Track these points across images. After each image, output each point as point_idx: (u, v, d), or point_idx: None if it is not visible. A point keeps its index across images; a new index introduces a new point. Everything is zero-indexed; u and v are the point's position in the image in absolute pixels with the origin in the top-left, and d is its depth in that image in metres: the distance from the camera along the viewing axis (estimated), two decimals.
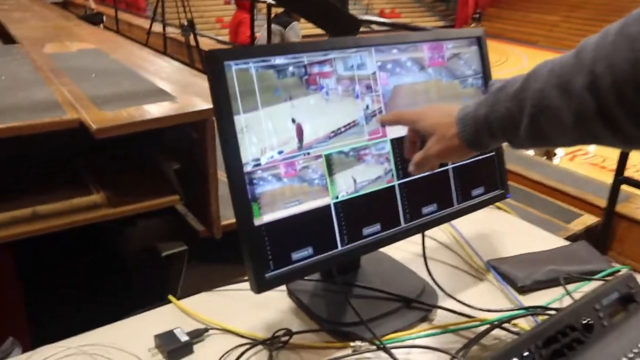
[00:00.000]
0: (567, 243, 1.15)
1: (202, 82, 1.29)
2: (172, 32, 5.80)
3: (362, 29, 1.34)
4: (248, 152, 0.69)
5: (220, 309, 0.90)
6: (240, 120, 0.68)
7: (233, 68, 0.67)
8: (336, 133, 0.76)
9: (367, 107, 0.80)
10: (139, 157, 1.19)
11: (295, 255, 0.73)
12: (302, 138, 0.72)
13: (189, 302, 0.93)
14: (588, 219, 2.59)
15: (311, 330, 0.82)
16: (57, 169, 1.16)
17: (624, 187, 2.40)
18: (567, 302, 0.93)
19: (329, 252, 0.76)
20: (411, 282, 0.96)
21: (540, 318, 0.88)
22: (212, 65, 0.66)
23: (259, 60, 0.70)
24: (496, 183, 0.98)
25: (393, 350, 0.77)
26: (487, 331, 0.82)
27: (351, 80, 0.78)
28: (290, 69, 0.72)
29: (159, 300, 0.94)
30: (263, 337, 0.80)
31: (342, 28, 1.20)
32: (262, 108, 0.70)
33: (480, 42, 0.95)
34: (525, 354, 0.66)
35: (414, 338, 0.82)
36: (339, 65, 0.77)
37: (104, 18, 5.69)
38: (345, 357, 0.77)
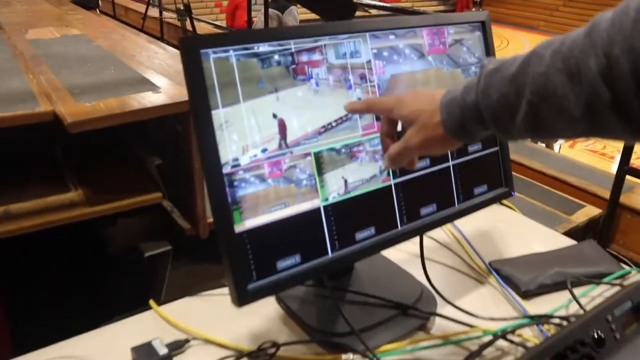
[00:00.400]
0: (573, 242, 1.09)
1: None
2: (170, 16, 5.68)
3: (358, 14, 1.27)
4: (228, 150, 0.62)
5: (203, 317, 0.84)
6: (219, 115, 0.61)
7: (211, 57, 0.60)
8: (326, 128, 0.69)
9: (361, 98, 0.73)
10: (121, 150, 1.13)
11: (281, 264, 0.67)
12: (286, 135, 0.65)
13: (170, 309, 0.87)
14: (591, 211, 2.54)
15: (299, 342, 0.76)
16: (32, 163, 1.09)
17: (628, 178, 2.34)
18: (573, 308, 0.87)
19: (319, 260, 0.70)
20: (408, 286, 0.90)
21: (546, 327, 0.82)
22: (186, 54, 0.59)
23: (240, 48, 0.62)
24: (500, 180, 0.91)
25: None
26: (489, 343, 0.76)
27: (343, 69, 0.71)
28: (276, 57, 0.65)
29: (144, 303, 0.89)
30: (248, 349, 0.74)
31: (336, 11, 1.12)
32: (243, 101, 0.63)
33: (484, 27, 0.87)
34: None
35: (411, 351, 0.76)
36: (330, 52, 0.70)
37: (100, 2, 5.56)
38: None
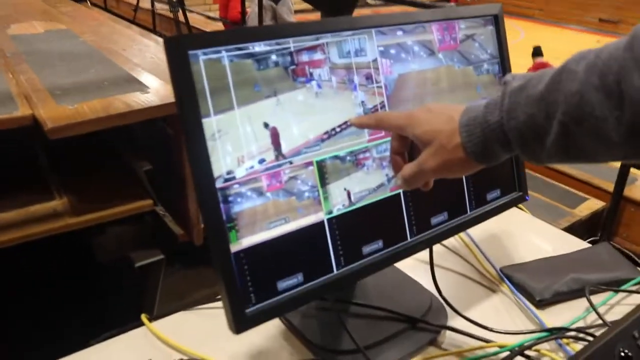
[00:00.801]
0: (587, 245, 1.04)
1: None
2: (162, 8, 5.57)
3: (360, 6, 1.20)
4: (221, 163, 0.56)
5: (198, 333, 0.78)
6: (211, 123, 0.55)
7: (201, 59, 0.54)
8: (330, 134, 0.63)
9: (365, 101, 0.66)
10: (109, 153, 1.06)
11: (282, 285, 0.61)
12: (280, 145, 0.59)
13: (163, 325, 0.82)
14: (594, 204, 2.49)
15: None
16: (14, 168, 1.03)
17: (632, 170, 2.30)
18: (592, 317, 0.82)
19: (323, 278, 0.64)
20: (416, 296, 0.84)
21: (565, 341, 0.77)
22: (173, 56, 0.52)
23: (234, 48, 0.56)
24: (514, 184, 0.85)
25: None
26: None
27: (348, 69, 0.65)
28: (273, 57, 0.59)
29: (135, 316, 0.83)
30: None
31: (336, 4, 1.06)
32: (238, 107, 0.56)
33: (497, 21, 0.81)
34: None
35: None
36: (332, 51, 0.63)
37: None
38: None
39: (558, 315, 0.82)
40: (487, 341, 0.75)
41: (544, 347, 0.75)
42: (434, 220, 0.74)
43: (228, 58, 0.55)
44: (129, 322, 0.82)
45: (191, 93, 0.53)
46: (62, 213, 0.88)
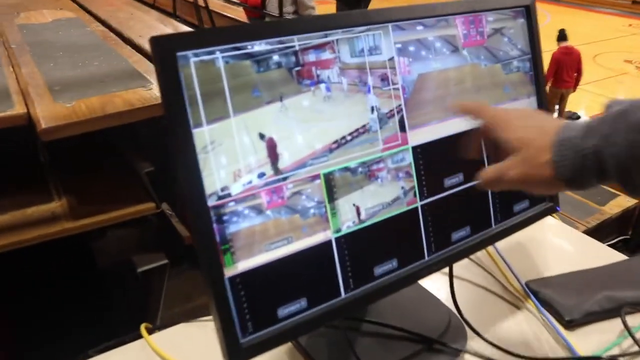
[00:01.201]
0: (623, 257, 0.95)
1: None
2: None
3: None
4: (215, 178, 0.49)
5: (199, 348, 0.74)
6: (203, 134, 0.48)
7: (191, 61, 0.47)
8: (339, 144, 0.57)
9: (378, 106, 0.59)
10: (113, 152, 1.01)
11: (282, 311, 0.55)
12: (277, 159, 0.52)
13: (164, 338, 0.77)
14: (625, 201, 2.38)
15: None
16: (15, 166, 0.98)
17: None
18: (627, 343, 0.74)
19: (329, 303, 0.57)
20: (434, 313, 0.78)
21: None
22: (159, 59, 0.46)
23: (230, 48, 0.49)
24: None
25: None
26: None
27: (360, 69, 0.58)
28: (275, 58, 0.52)
29: (137, 324, 0.79)
30: None
31: None
32: (234, 115, 0.50)
33: (529, 13, 0.73)
34: None
35: None
36: (343, 50, 0.56)
37: None
38: None
39: (589, 339, 0.75)
40: None
41: None
42: (455, 236, 0.67)
43: (223, 59, 0.49)
44: (131, 330, 0.78)
45: (179, 100, 0.47)
46: (59, 216, 0.84)
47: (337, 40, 0.56)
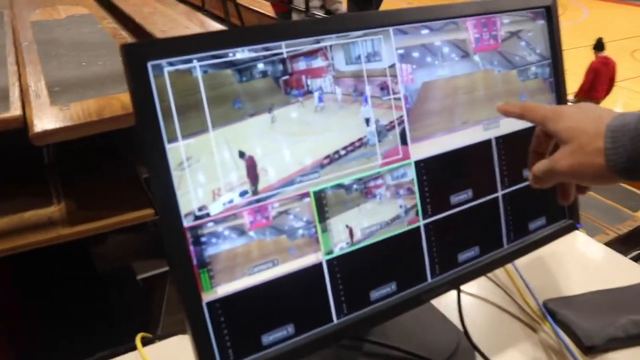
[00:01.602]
0: None
1: None
2: None
3: None
4: (191, 196, 0.46)
5: None
6: (179, 150, 0.45)
7: (165, 70, 0.44)
8: (332, 159, 0.52)
9: (371, 118, 0.55)
10: (115, 154, 0.99)
11: (267, 338, 0.51)
12: (257, 180, 0.48)
13: (158, 350, 0.74)
14: None
15: None
16: (18, 166, 0.97)
17: None
18: None
19: (319, 329, 0.53)
20: (441, 334, 0.73)
21: None
22: (129, 67, 0.42)
23: (209, 56, 0.45)
24: (562, 210, 0.71)
25: None
26: None
27: (357, 78, 0.53)
28: (260, 66, 0.48)
29: (140, 331, 0.76)
30: None
31: None
32: (213, 129, 0.46)
33: (549, 14, 0.67)
34: None
35: None
36: (337, 57, 0.52)
37: None
38: None
39: None
40: None
41: None
42: (462, 257, 0.62)
43: (201, 69, 0.45)
44: (131, 339, 0.75)
45: (151, 113, 0.43)
46: (56, 222, 0.82)
47: (330, 46, 0.51)
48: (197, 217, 0.46)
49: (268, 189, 0.49)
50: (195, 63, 0.45)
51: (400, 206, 0.57)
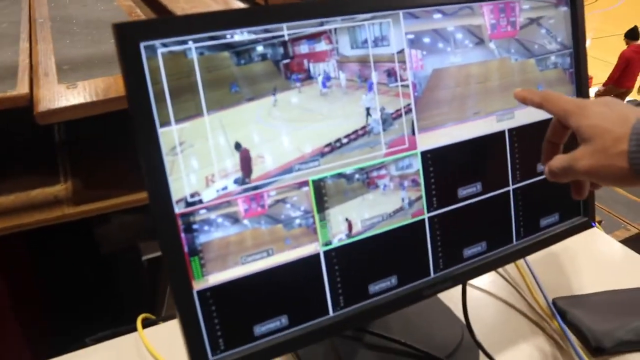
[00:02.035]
0: None
1: None
2: None
3: None
4: (183, 182, 0.44)
5: None
6: (171, 134, 0.43)
7: (159, 51, 0.42)
8: (333, 147, 0.50)
9: (383, 105, 0.52)
10: (126, 135, 0.98)
11: (260, 329, 0.50)
12: (251, 171, 0.47)
13: (159, 332, 0.74)
14: None
15: None
16: (29, 143, 0.97)
17: None
18: None
19: (314, 321, 0.52)
20: (445, 328, 0.72)
21: None
22: (121, 48, 0.41)
23: (205, 37, 0.44)
24: (577, 207, 0.69)
25: None
26: None
27: (362, 63, 0.51)
28: (260, 49, 0.46)
29: (144, 312, 0.76)
30: None
31: None
32: (208, 113, 0.44)
33: (574, 1, 0.63)
34: None
35: None
36: (342, 40, 0.50)
37: None
38: None
39: None
40: None
41: None
42: (468, 252, 0.60)
43: (197, 50, 0.43)
44: (133, 321, 0.75)
45: (144, 96, 0.41)
46: (61, 200, 0.82)
47: (335, 29, 0.49)
48: (189, 204, 0.45)
49: (265, 177, 0.47)
50: (191, 44, 0.43)
51: (404, 198, 0.55)
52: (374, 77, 0.51)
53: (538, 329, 0.74)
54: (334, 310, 0.53)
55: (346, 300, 0.53)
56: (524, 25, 0.60)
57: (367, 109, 0.50)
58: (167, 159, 0.43)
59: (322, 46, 0.48)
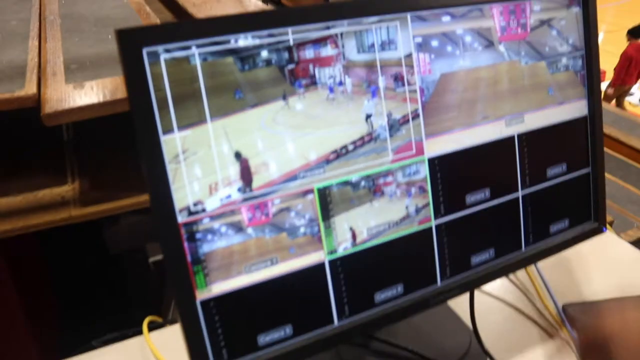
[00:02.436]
0: None
1: None
2: None
3: None
4: (186, 191, 0.44)
5: None
6: (174, 142, 0.43)
7: (162, 57, 0.41)
8: (339, 154, 0.49)
9: (390, 112, 0.51)
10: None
11: (264, 339, 0.49)
12: (251, 180, 0.46)
13: (165, 335, 0.74)
14: None
15: None
16: (40, 144, 0.97)
17: None
18: None
19: (319, 331, 0.51)
20: (453, 335, 0.71)
21: None
22: (123, 54, 0.40)
23: (209, 43, 0.43)
24: (588, 212, 0.67)
25: None
26: None
27: (369, 68, 0.50)
28: (264, 54, 0.45)
29: (151, 314, 0.76)
30: None
31: None
32: (212, 120, 0.44)
33: (586, 1, 0.62)
34: None
35: None
36: (349, 44, 0.49)
37: None
38: None
39: None
40: None
41: None
42: (476, 259, 0.59)
43: (200, 56, 0.42)
44: (141, 323, 0.75)
45: (146, 103, 0.41)
46: (68, 202, 0.81)
47: (341, 33, 0.48)
48: (192, 213, 0.44)
49: (269, 185, 0.46)
50: (194, 50, 0.42)
51: (411, 205, 0.54)
52: (381, 82, 0.50)
53: (547, 337, 0.73)
54: (339, 320, 0.52)
55: (351, 309, 0.52)
56: (535, 27, 0.59)
57: (368, 116, 0.49)
58: (169, 167, 0.42)
59: (327, 51, 0.47)
